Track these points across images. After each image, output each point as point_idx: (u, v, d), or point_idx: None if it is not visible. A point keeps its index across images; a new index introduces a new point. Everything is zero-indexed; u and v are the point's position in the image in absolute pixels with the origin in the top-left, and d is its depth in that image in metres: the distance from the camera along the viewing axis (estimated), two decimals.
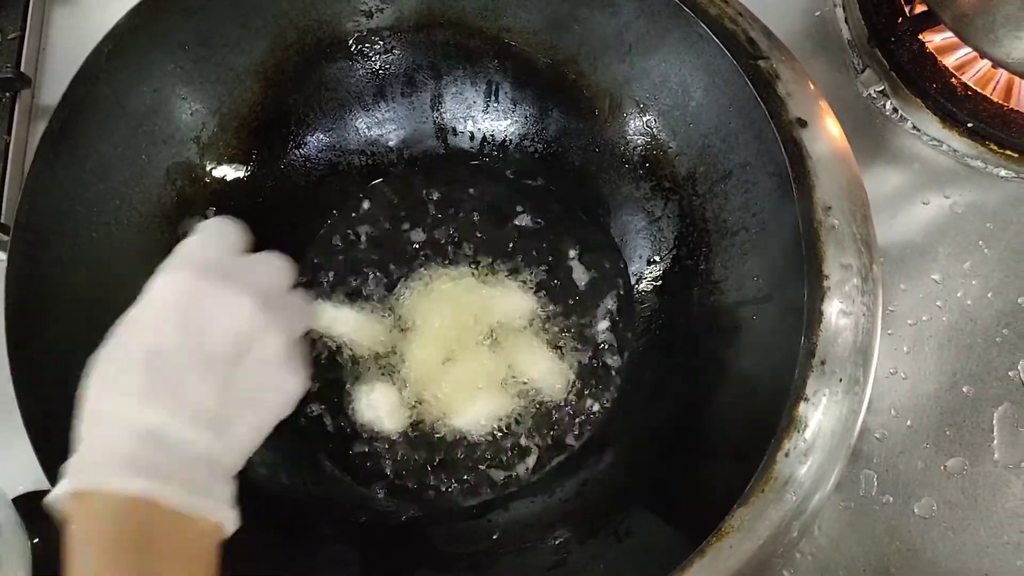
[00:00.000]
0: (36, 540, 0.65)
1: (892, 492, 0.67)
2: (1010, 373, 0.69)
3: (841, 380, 0.58)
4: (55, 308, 0.57)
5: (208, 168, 0.68)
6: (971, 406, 0.69)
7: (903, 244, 0.72)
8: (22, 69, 0.81)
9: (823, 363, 0.57)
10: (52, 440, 0.53)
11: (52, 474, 0.51)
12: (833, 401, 0.58)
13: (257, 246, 0.71)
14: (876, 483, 0.67)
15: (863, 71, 0.77)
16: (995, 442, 0.67)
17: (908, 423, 0.68)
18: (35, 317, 0.56)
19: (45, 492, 0.65)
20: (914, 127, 0.75)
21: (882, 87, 0.75)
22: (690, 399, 0.62)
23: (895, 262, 0.72)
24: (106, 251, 0.62)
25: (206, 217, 0.68)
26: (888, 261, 0.71)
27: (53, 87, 0.83)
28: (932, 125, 0.74)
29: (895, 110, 0.76)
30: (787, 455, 0.56)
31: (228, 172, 0.69)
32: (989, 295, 0.71)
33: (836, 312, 0.58)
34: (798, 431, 0.56)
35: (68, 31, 0.86)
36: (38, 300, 0.56)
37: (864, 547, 0.66)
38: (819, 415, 0.57)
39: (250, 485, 0.62)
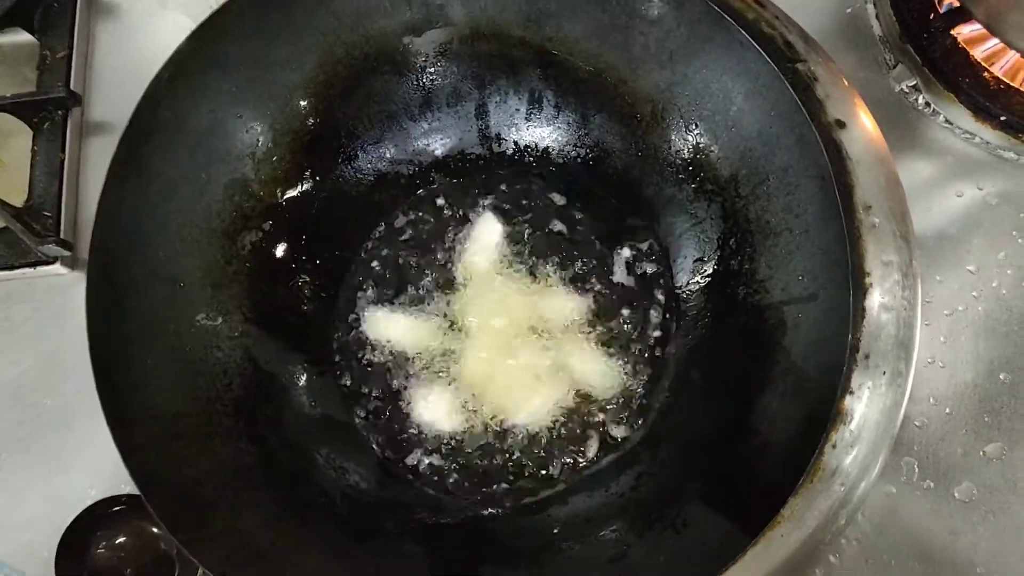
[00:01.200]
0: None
1: (933, 478, 0.69)
2: None
3: (884, 373, 0.60)
4: (134, 326, 0.60)
5: (264, 183, 0.70)
6: (1008, 392, 0.70)
7: (938, 236, 0.74)
8: (72, 87, 0.84)
9: (867, 357, 0.59)
10: (136, 448, 0.55)
11: (132, 472, 0.54)
12: (877, 393, 0.60)
13: (310, 255, 0.75)
14: (917, 469, 0.69)
15: (895, 67, 0.78)
16: None
17: (947, 410, 0.70)
18: (114, 334, 0.59)
19: (119, 497, 0.70)
20: (947, 121, 0.77)
21: (914, 82, 0.77)
22: (740, 395, 0.64)
23: (931, 254, 0.73)
24: (174, 268, 0.64)
25: (262, 231, 0.71)
26: (924, 253, 0.73)
27: (103, 103, 0.85)
28: (965, 118, 0.75)
29: (927, 104, 0.77)
30: (834, 447, 0.59)
31: (282, 186, 0.72)
32: (1023, 284, 0.72)
33: (878, 308, 0.60)
34: (844, 423, 0.58)
35: (113, 47, 0.88)
36: (117, 318, 0.59)
37: (907, 532, 0.68)
38: (864, 407, 0.59)
39: (318, 487, 0.65)
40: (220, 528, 0.58)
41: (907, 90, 0.77)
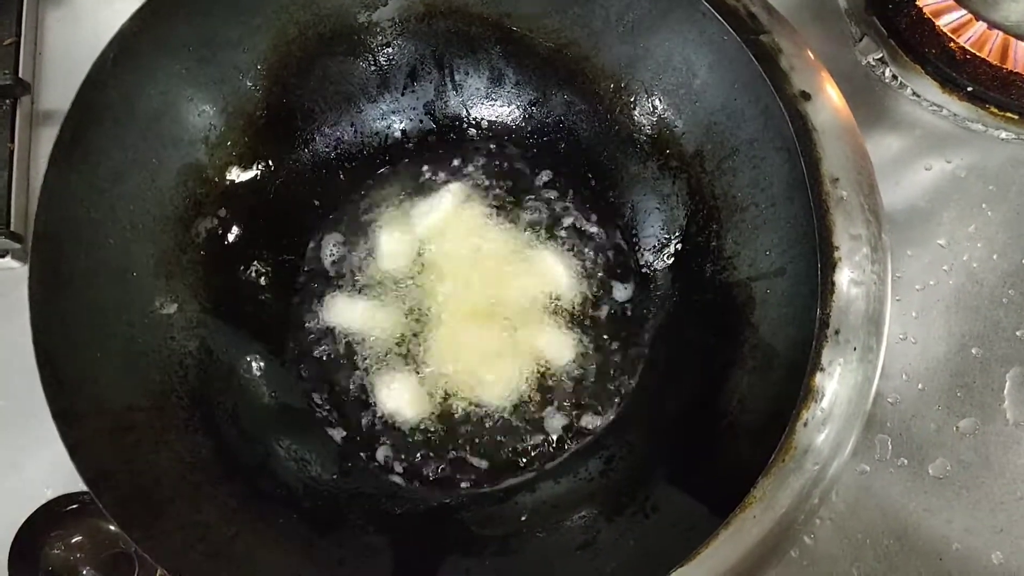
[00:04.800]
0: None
1: (907, 455, 0.68)
2: (1017, 333, 0.70)
3: (855, 349, 0.59)
4: (82, 317, 0.58)
5: (218, 168, 0.68)
6: (980, 367, 0.70)
7: (908, 210, 0.73)
8: (20, 75, 0.81)
9: (837, 333, 0.58)
10: (83, 442, 0.53)
11: (80, 468, 0.52)
12: (848, 370, 0.58)
13: (267, 241, 0.73)
14: (891, 447, 0.69)
15: (861, 39, 0.77)
16: (1006, 402, 0.69)
17: (920, 386, 0.70)
18: (60, 325, 0.56)
19: (75, 495, 0.67)
20: (914, 93, 0.76)
21: (880, 54, 0.76)
22: (708, 374, 0.63)
23: (901, 228, 0.73)
24: (123, 257, 0.62)
25: (217, 217, 0.69)
26: (894, 227, 0.72)
27: (53, 92, 0.83)
28: (932, 90, 0.75)
29: (894, 77, 0.76)
30: (805, 425, 0.57)
31: (237, 171, 0.70)
32: (994, 257, 0.72)
33: (847, 282, 0.59)
34: (815, 401, 0.57)
35: (63, 34, 0.86)
36: (63, 308, 0.57)
37: (882, 509, 0.67)
38: (835, 384, 0.58)
39: (278, 479, 0.64)
40: (176, 524, 0.56)
41: (873, 63, 0.76)
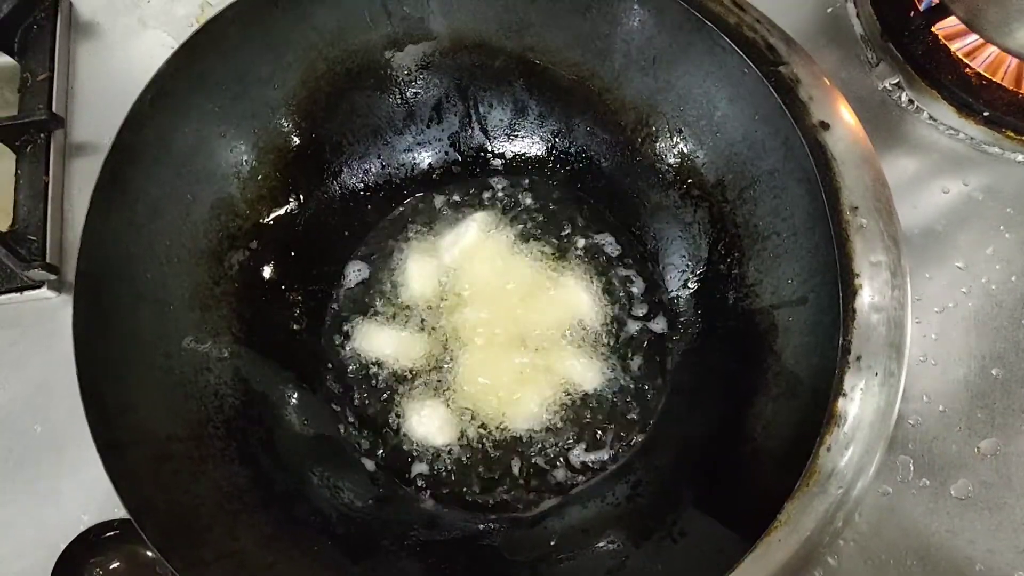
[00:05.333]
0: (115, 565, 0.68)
1: (929, 476, 0.69)
2: None
3: (877, 374, 0.60)
4: (122, 350, 0.59)
5: (249, 201, 0.70)
6: (1001, 388, 0.70)
7: (925, 233, 0.74)
8: (54, 109, 0.83)
9: (859, 359, 0.59)
10: (126, 473, 0.55)
11: (123, 498, 0.53)
12: (870, 394, 0.60)
13: (298, 272, 0.74)
14: (912, 468, 0.69)
15: (877, 64, 0.78)
16: None
17: (940, 408, 0.70)
18: (103, 358, 0.58)
19: (112, 523, 0.69)
20: (930, 117, 0.77)
21: (897, 79, 0.77)
22: (733, 400, 0.64)
23: (918, 251, 0.74)
24: (160, 290, 0.64)
25: (249, 250, 0.70)
26: (912, 250, 0.73)
27: (85, 124, 0.85)
28: (949, 115, 0.75)
29: (911, 101, 0.77)
30: (829, 449, 0.58)
31: (268, 204, 0.72)
32: (1013, 279, 0.73)
33: (868, 308, 0.60)
34: (838, 426, 0.58)
35: (95, 67, 0.88)
36: (105, 342, 0.58)
37: (904, 531, 0.68)
38: (857, 408, 0.59)
39: (312, 506, 0.65)
40: (215, 552, 0.57)
41: (890, 88, 0.77)
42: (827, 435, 0.58)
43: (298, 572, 0.60)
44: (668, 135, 0.69)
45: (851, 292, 0.60)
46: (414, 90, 0.74)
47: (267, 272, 0.72)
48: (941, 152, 0.76)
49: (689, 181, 0.70)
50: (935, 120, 0.77)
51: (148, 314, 0.62)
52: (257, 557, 0.59)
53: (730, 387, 0.65)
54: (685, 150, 0.69)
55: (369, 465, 0.71)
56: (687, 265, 0.72)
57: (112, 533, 0.69)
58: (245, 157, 0.69)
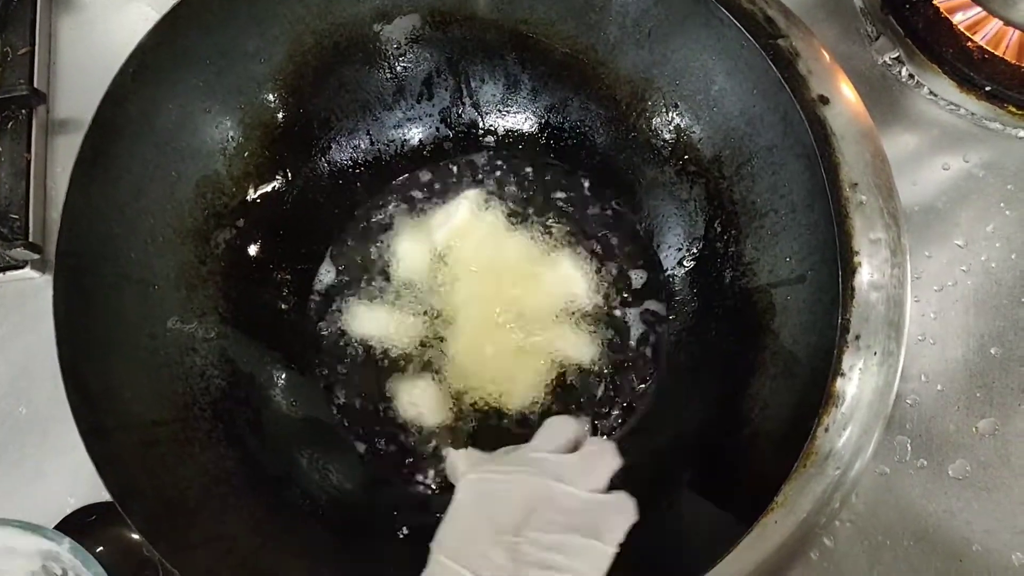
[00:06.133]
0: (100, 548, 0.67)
1: (926, 456, 0.68)
2: None
3: (875, 353, 0.59)
4: (105, 331, 0.58)
5: (236, 179, 0.68)
6: (1000, 367, 0.69)
7: (925, 210, 0.73)
8: (35, 84, 0.81)
9: (857, 338, 0.59)
10: (111, 457, 0.54)
11: (108, 483, 0.52)
12: (868, 374, 0.59)
13: (286, 251, 0.73)
14: (910, 448, 0.68)
15: (877, 38, 0.77)
16: None
17: (939, 387, 0.69)
18: (85, 340, 0.57)
19: (98, 505, 0.68)
20: (931, 92, 0.75)
21: (897, 54, 0.75)
22: (730, 381, 0.63)
23: (918, 229, 0.72)
24: (145, 270, 0.62)
25: (236, 228, 0.69)
26: (911, 228, 0.72)
27: (67, 100, 0.83)
28: (949, 90, 0.74)
29: (911, 76, 0.76)
30: (827, 430, 0.58)
31: (255, 181, 0.70)
32: (1013, 256, 0.71)
33: (867, 287, 0.59)
34: (836, 406, 0.58)
35: (76, 42, 0.86)
36: (88, 323, 0.57)
37: (901, 511, 0.67)
38: (855, 388, 0.58)
39: (302, 489, 0.64)
40: (203, 536, 0.56)
41: (890, 62, 0.76)
42: (825, 415, 0.58)
43: (287, 555, 0.59)
44: (664, 110, 0.68)
45: (850, 270, 0.59)
46: (404, 64, 0.72)
47: (254, 251, 0.71)
48: (941, 128, 0.75)
49: (685, 157, 0.68)
50: (935, 95, 0.75)
51: (132, 294, 0.61)
52: (246, 540, 0.58)
53: (727, 367, 0.64)
54: (681, 125, 0.68)
55: (359, 447, 0.70)
56: (683, 243, 0.71)
57: (98, 516, 0.68)
58: (231, 133, 0.67)
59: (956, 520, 0.67)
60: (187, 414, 0.61)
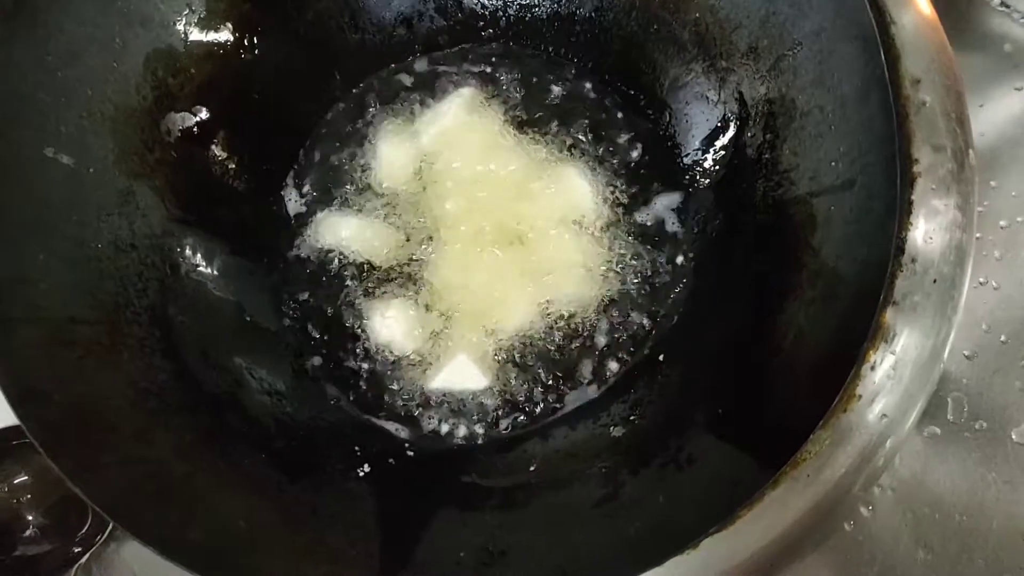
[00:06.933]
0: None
1: (986, 417, 0.59)
2: None
3: (935, 281, 0.50)
4: (19, 208, 0.50)
5: (195, 57, 0.60)
6: None
7: (994, 135, 0.64)
8: None
9: (914, 261, 0.49)
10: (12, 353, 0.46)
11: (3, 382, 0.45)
12: (927, 306, 0.49)
13: (252, 145, 0.64)
14: (966, 407, 0.59)
15: None
16: None
17: (1002, 338, 0.60)
18: None
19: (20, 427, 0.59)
20: (1003, 3, 0.67)
21: None
22: (759, 305, 0.54)
23: (984, 156, 0.63)
24: (77, 148, 0.54)
25: (192, 114, 0.60)
26: (976, 154, 0.63)
27: None
28: None
29: None
30: (873, 368, 0.48)
31: (218, 63, 0.61)
32: None
33: (928, 201, 0.50)
34: (886, 341, 0.48)
35: None
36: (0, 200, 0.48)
37: (953, 480, 0.58)
38: (909, 323, 0.49)
39: (248, 414, 0.55)
40: (119, 456, 0.48)
41: None
42: (871, 351, 0.48)
43: (223, 486, 0.51)
44: None
45: (908, 180, 0.49)
46: None
47: (214, 145, 0.62)
48: (1015, 43, 0.67)
49: (715, 51, 0.59)
50: (1008, 6, 0.66)
51: (58, 173, 0.53)
52: (172, 466, 0.50)
53: (757, 290, 0.56)
54: (713, 10, 0.58)
55: (320, 371, 0.61)
56: (709, 152, 0.62)
57: (24, 440, 0.59)
58: (190, 2, 0.59)
59: (1019, 492, 0.57)
60: (117, 316, 0.53)
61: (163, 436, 0.50)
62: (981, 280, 0.61)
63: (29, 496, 0.60)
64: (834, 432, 0.49)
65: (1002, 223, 0.62)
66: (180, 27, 0.59)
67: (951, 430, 0.59)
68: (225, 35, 0.61)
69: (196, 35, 0.60)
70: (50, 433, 0.45)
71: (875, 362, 0.48)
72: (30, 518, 0.60)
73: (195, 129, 0.60)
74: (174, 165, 0.59)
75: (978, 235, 0.61)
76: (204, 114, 0.61)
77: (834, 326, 0.49)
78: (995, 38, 0.66)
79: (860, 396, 0.49)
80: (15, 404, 0.45)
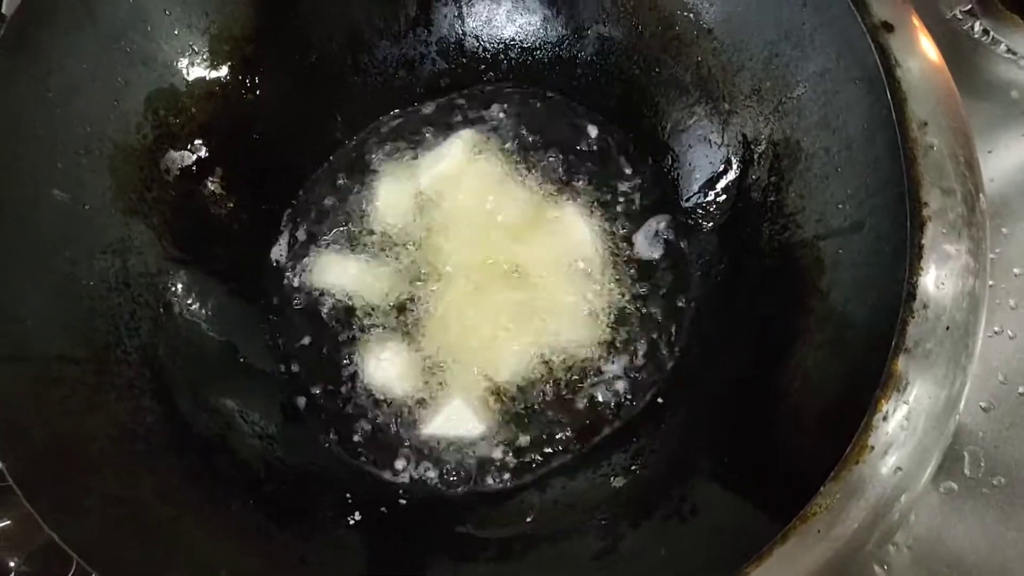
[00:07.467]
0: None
1: (1004, 472, 0.56)
2: None
3: (948, 329, 0.48)
4: (11, 242, 0.49)
5: (196, 98, 0.60)
6: None
7: (1003, 181, 0.63)
8: None
9: (925, 307, 0.47)
10: None
11: None
12: (939, 355, 0.47)
13: (251, 186, 0.64)
14: (983, 462, 0.57)
15: None
16: None
17: (1020, 390, 0.58)
18: None
19: None
20: (1009, 50, 0.66)
21: (969, 6, 0.66)
22: (765, 351, 0.52)
23: (993, 202, 0.62)
24: (73, 185, 0.53)
25: (193, 153, 0.60)
26: (985, 201, 0.61)
27: None
28: None
29: (986, 32, 0.66)
30: (885, 418, 0.46)
31: (219, 104, 0.61)
32: None
33: (939, 245, 0.48)
34: (898, 390, 0.46)
35: None
36: None
37: (972, 538, 0.55)
38: (923, 371, 0.47)
39: (238, 457, 0.54)
40: (99, 498, 0.46)
41: (961, 16, 0.67)
42: (883, 399, 0.46)
43: (208, 531, 0.49)
44: (694, 36, 0.58)
45: (917, 223, 0.48)
46: None
47: (213, 183, 0.62)
48: (1021, 90, 0.65)
49: (717, 94, 0.58)
50: (1014, 53, 0.66)
51: (53, 210, 0.52)
52: (156, 509, 0.48)
53: (761, 335, 0.54)
54: (715, 54, 0.58)
55: (312, 414, 0.59)
56: (711, 196, 0.61)
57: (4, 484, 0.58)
58: (193, 43, 0.59)
59: None
60: (106, 356, 0.52)
61: (148, 478, 0.49)
62: (996, 329, 0.59)
63: (10, 541, 0.58)
64: (846, 485, 0.46)
65: (1016, 271, 0.60)
66: (183, 67, 0.59)
67: (968, 485, 0.56)
68: (227, 75, 0.61)
69: (198, 75, 0.60)
70: (28, 472, 0.44)
71: (887, 412, 0.46)
72: (12, 564, 0.58)
73: (194, 168, 0.60)
74: (172, 203, 0.58)
75: (991, 283, 0.60)
76: (204, 153, 0.61)
77: (843, 372, 0.47)
78: (1002, 85, 0.65)
79: (872, 447, 0.46)
80: None
